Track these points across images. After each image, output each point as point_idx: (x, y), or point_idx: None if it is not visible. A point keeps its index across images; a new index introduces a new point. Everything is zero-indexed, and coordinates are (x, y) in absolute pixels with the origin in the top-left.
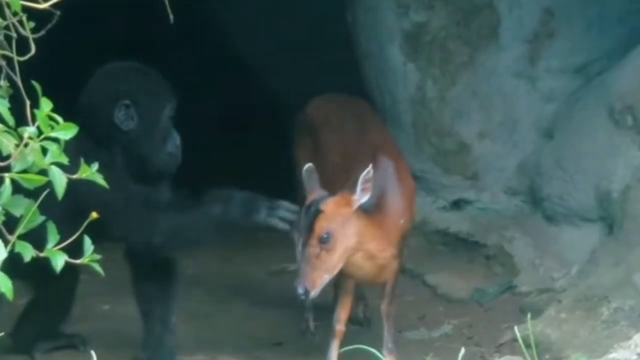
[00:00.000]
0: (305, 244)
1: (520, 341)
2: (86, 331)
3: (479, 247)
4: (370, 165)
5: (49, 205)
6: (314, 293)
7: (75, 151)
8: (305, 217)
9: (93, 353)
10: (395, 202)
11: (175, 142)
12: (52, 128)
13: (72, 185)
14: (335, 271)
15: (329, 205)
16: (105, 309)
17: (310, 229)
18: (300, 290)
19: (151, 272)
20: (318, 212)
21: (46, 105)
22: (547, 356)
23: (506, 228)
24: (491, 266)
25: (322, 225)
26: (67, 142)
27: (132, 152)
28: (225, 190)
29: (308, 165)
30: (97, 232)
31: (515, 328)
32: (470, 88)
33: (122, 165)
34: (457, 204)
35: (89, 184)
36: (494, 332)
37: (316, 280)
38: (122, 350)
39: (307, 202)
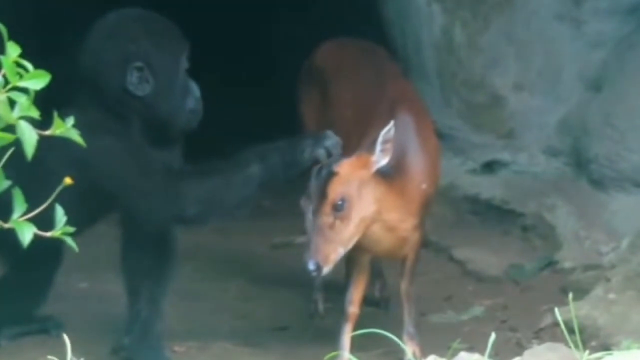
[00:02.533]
0: (316, 212)
1: (562, 326)
2: (60, 313)
3: (514, 217)
4: (392, 123)
5: (58, 184)
6: (327, 269)
7: (81, 124)
8: (317, 180)
9: (66, 338)
10: (417, 164)
11: (194, 95)
12: (21, 77)
13: (86, 161)
14: (351, 244)
15: (344, 167)
16: (83, 287)
17: (322, 194)
18: (312, 266)
19: (147, 245)
20: (331, 174)
21: (13, 50)
22: (593, 343)
23: (546, 194)
24: (529, 239)
25: (336, 190)
26: (69, 113)
27: (149, 117)
28: (261, 146)
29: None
30: (106, 208)
31: (557, 310)
32: (505, 32)
33: (139, 134)
34: (489, 166)
35: (105, 159)
36: (532, 315)
37: (330, 254)
38: (101, 335)
39: (319, 164)
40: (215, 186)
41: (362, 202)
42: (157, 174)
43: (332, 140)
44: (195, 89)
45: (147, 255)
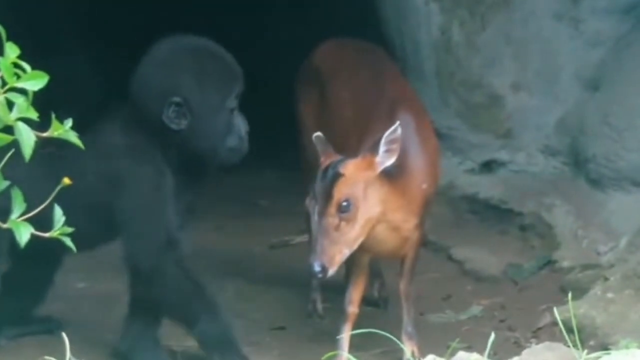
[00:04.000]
0: (321, 214)
1: (561, 325)
2: (59, 313)
3: (513, 216)
4: (398, 123)
5: (73, 199)
6: (332, 271)
7: (120, 146)
8: (322, 182)
9: (65, 337)
10: (417, 164)
11: (239, 133)
12: (19, 77)
13: (107, 186)
14: (356, 245)
15: (350, 168)
16: (81, 287)
17: (328, 195)
18: (317, 268)
19: None
20: (337, 175)
21: (12, 51)
22: (591, 342)
23: (544, 194)
24: (527, 238)
25: (342, 191)
26: (106, 135)
27: (184, 150)
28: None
29: (317, 134)
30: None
31: (555, 310)
32: (503, 32)
33: (174, 163)
34: (487, 166)
35: (126, 183)
36: (531, 315)
37: (335, 255)
38: (100, 335)
39: (323, 165)
40: (185, 292)
41: (368, 203)
42: (162, 234)
43: None
44: (240, 127)
45: None
